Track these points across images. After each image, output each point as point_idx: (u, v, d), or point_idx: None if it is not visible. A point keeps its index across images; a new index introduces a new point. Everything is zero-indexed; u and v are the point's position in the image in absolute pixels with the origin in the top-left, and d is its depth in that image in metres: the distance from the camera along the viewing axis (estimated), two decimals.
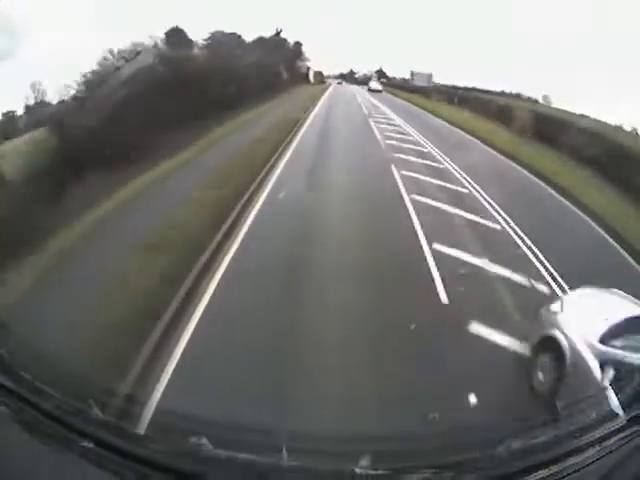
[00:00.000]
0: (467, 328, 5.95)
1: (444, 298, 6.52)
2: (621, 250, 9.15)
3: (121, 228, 8.45)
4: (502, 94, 22.07)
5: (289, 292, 6.30)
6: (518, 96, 22.13)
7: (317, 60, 28.06)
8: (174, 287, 6.26)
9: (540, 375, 5.18)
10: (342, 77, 29.30)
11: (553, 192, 12.25)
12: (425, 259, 7.63)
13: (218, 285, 6.57)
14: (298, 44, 27.20)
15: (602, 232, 9.89)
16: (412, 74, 24.55)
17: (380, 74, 28.29)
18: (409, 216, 9.54)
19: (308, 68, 27.54)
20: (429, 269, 7.27)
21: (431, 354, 5.13)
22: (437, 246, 8.10)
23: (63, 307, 5.53)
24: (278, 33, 24.97)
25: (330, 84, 28.89)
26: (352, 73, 28.99)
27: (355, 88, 28.37)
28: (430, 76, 24.07)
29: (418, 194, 10.98)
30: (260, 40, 23.92)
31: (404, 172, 12.66)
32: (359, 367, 4.78)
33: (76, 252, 7.67)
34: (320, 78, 28.59)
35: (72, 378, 3.12)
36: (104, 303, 5.74)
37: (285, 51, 25.71)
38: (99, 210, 9.31)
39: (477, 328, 6.00)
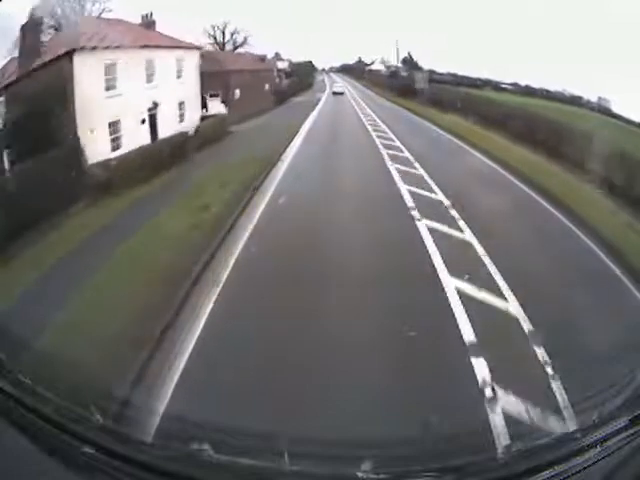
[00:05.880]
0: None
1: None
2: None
3: None
4: None
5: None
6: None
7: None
8: None
9: None
10: (346, 70, 17.91)
11: None
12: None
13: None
14: None
15: None
16: None
17: (410, 64, 15.55)
18: None
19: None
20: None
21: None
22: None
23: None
24: None
25: (320, 98, 15.88)
26: (362, 64, 17.31)
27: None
28: None
29: None
30: None
31: None
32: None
33: None
34: (306, 78, 14.89)
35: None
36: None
37: None
38: None
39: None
